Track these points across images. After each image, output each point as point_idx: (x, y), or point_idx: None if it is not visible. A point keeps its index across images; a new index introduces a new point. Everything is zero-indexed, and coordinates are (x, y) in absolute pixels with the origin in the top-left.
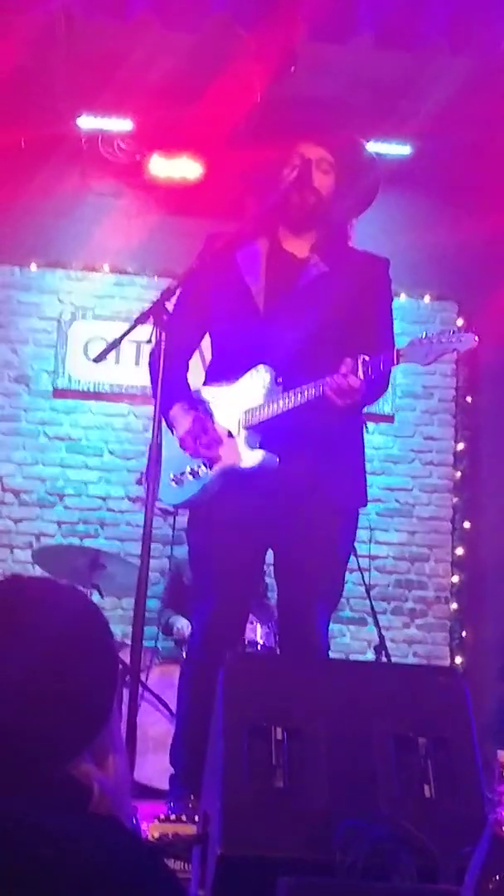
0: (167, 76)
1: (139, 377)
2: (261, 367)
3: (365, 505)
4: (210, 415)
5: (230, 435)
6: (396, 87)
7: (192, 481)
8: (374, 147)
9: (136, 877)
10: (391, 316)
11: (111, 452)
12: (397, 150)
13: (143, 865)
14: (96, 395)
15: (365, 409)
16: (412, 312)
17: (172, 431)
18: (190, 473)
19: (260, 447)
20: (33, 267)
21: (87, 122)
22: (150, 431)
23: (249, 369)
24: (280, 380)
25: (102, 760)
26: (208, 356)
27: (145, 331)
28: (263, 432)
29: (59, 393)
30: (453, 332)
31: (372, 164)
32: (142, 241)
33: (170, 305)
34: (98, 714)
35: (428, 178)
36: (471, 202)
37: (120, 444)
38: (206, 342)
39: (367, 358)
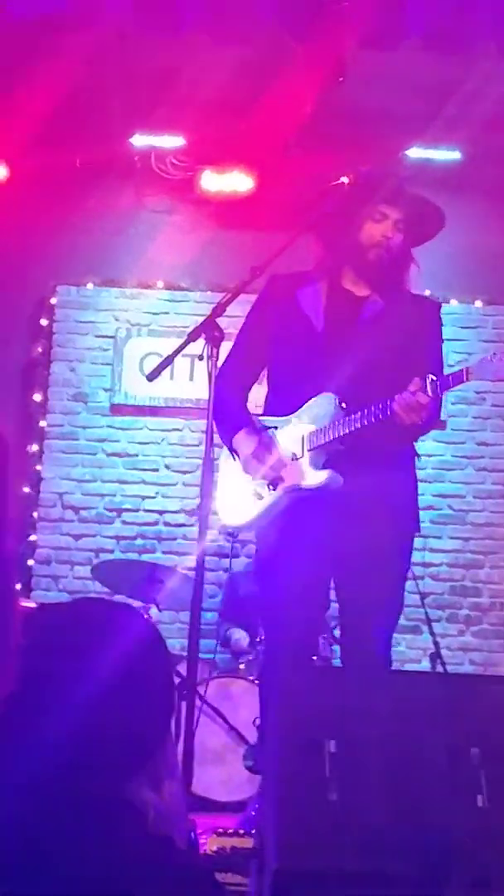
0: (218, 90)
1: (193, 391)
2: (325, 394)
3: (419, 531)
4: (274, 439)
5: (294, 458)
6: (445, 92)
7: (255, 503)
8: (423, 153)
9: (187, 891)
10: (442, 356)
11: (167, 467)
12: (447, 155)
13: (193, 881)
14: (152, 411)
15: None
16: (463, 317)
17: (235, 457)
18: (253, 495)
19: (324, 467)
20: (90, 286)
21: (141, 140)
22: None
23: (313, 397)
24: (344, 405)
25: (158, 785)
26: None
27: (198, 346)
28: (328, 454)
29: (115, 409)
30: None
31: (439, 220)
32: (195, 256)
33: (222, 321)
34: (153, 738)
35: (477, 182)
36: None
37: (175, 458)
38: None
39: (434, 378)
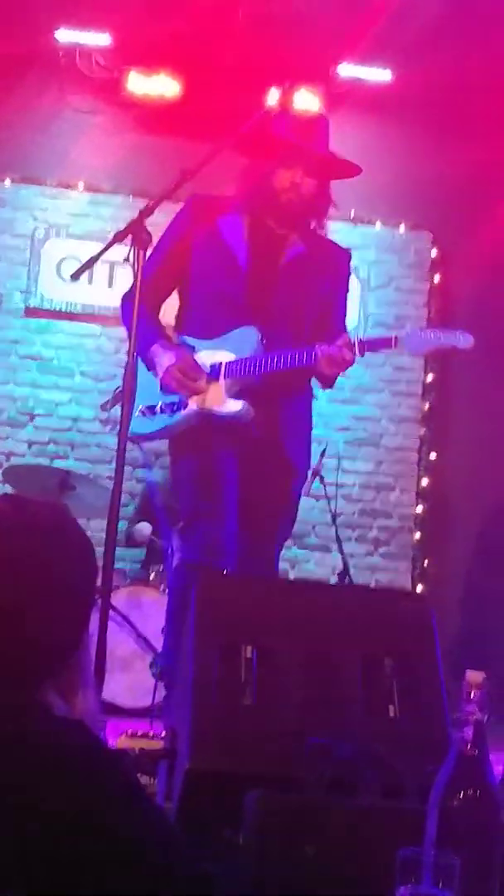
0: None
1: (112, 298)
2: (247, 327)
3: (310, 467)
4: (192, 358)
5: (212, 380)
6: (378, 9)
7: (162, 416)
8: (354, 71)
9: (101, 778)
10: (346, 311)
11: (82, 374)
12: (377, 75)
13: (107, 768)
14: (69, 316)
15: None
16: (386, 241)
17: (149, 368)
18: (162, 408)
19: (237, 397)
20: (7, 182)
21: (66, 36)
22: (122, 354)
23: (236, 327)
24: (265, 341)
25: (72, 696)
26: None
27: (119, 252)
28: (242, 385)
29: (30, 312)
30: (453, 331)
31: (349, 170)
32: (118, 159)
33: (148, 226)
34: (70, 640)
35: (408, 106)
36: (450, 133)
37: (91, 365)
38: None
39: (362, 339)
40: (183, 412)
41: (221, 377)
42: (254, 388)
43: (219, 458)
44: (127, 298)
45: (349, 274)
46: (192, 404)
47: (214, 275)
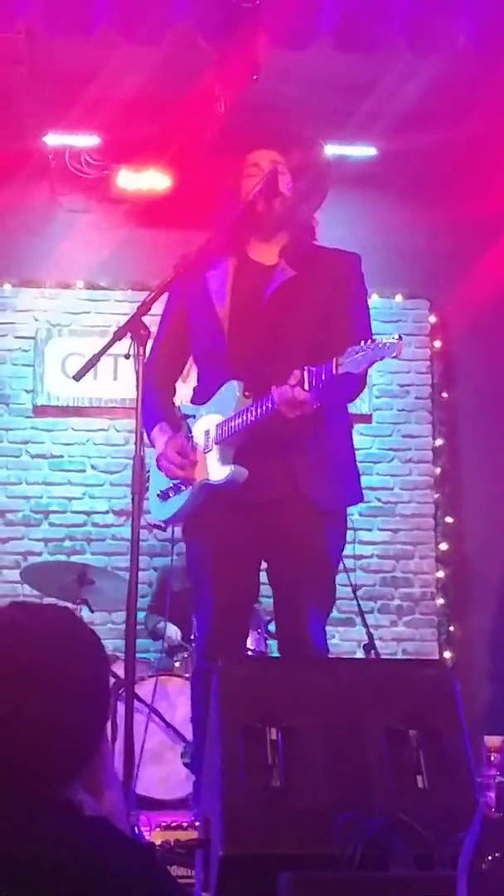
0: (132, 90)
1: (117, 391)
2: (232, 382)
3: (359, 502)
4: (189, 432)
5: (204, 451)
6: (359, 89)
7: (174, 498)
8: (338, 150)
9: (131, 871)
10: (366, 308)
11: (93, 467)
12: (362, 151)
13: (137, 860)
14: (76, 411)
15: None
16: (385, 312)
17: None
18: (172, 489)
19: (233, 461)
20: (7, 286)
21: (54, 139)
22: (131, 444)
23: (221, 386)
24: (247, 393)
25: (99, 794)
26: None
27: (123, 345)
28: (236, 445)
29: (38, 410)
30: (382, 344)
31: (318, 150)
32: (113, 254)
33: (147, 319)
34: (87, 743)
35: (394, 178)
36: (437, 200)
37: (102, 458)
38: None
39: (313, 369)
40: (186, 490)
41: (210, 444)
42: (253, 445)
43: (225, 537)
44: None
45: (359, 277)
46: (193, 483)
47: (202, 335)
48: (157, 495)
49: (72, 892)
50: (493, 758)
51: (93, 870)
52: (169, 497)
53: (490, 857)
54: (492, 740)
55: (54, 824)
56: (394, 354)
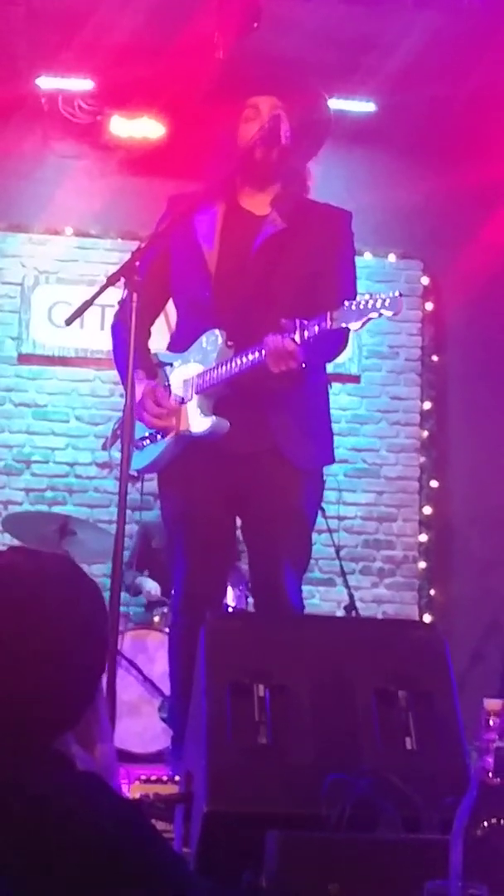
0: (128, 35)
1: (104, 342)
2: (214, 331)
3: (331, 463)
4: (167, 381)
5: (182, 401)
6: (360, 43)
7: (150, 446)
8: (338, 104)
9: (119, 829)
10: (353, 268)
11: (77, 418)
12: (361, 107)
13: (127, 817)
14: (62, 361)
15: (330, 370)
16: (377, 271)
17: None
18: (148, 439)
19: (213, 412)
20: None
21: (48, 83)
22: (116, 396)
23: (203, 333)
24: (230, 343)
25: (92, 747)
26: (173, 321)
27: (110, 294)
28: (217, 396)
29: (23, 359)
30: (382, 299)
31: (321, 102)
32: (104, 202)
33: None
34: (83, 691)
35: (392, 135)
36: (436, 160)
37: (86, 409)
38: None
39: (305, 321)
40: (164, 439)
41: (191, 394)
42: (232, 397)
43: (201, 490)
44: (115, 326)
45: (349, 236)
46: (170, 433)
47: (187, 281)
48: (134, 444)
49: (61, 848)
50: (491, 722)
51: (82, 827)
52: (144, 446)
53: (486, 824)
54: (491, 704)
55: (45, 777)
56: (393, 312)
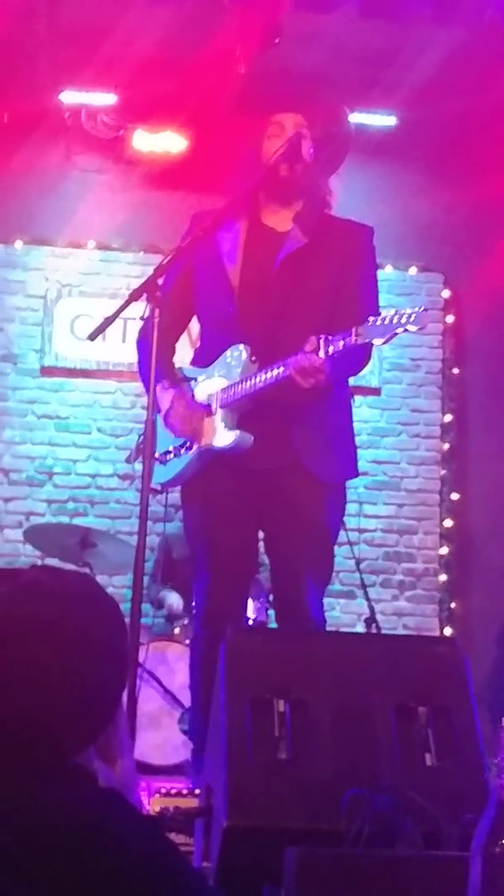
0: (151, 50)
1: (126, 354)
2: (238, 346)
3: (354, 476)
4: (191, 393)
5: (208, 414)
6: (381, 57)
7: (174, 460)
8: (358, 118)
9: (139, 846)
10: (375, 284)
11: (99, 430)
12: (382, 121)
13: (147, 835)
14: (83, 373)
15: (352, 382)
16: (398, 284)
17: (158, 412)
18: (172, 452)
19: (237, 426)
20: (18, 244)
21: (71, 97)
22: (138, 408)
23: (227, 349)
24: (254, 358)
25: (113, 762)
26: (195, 337)
27: (133, 308)
28: (241, 411)
29: (46, 371)
30: (408, 314)
31: (343, 119)
32: (127, 216)
33: (161, 282)
34: (105, 708)
35: (413, 149)
36: (456, 173)
37: (108, 421)
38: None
39: (330, 337)
40: (188, 453)
41: (215, 408)
42: (256, 412)
43: (224, 505)
44: (139, 342)
45: (371, 251)
46: (195, 444)
47: (210, 297)
48: (156, 458)
49: (80, 864)
50: None
51: (102, 843)
52: (168, 460)
53: None
54: None
55: (67, 793)
56: (419, 327)
